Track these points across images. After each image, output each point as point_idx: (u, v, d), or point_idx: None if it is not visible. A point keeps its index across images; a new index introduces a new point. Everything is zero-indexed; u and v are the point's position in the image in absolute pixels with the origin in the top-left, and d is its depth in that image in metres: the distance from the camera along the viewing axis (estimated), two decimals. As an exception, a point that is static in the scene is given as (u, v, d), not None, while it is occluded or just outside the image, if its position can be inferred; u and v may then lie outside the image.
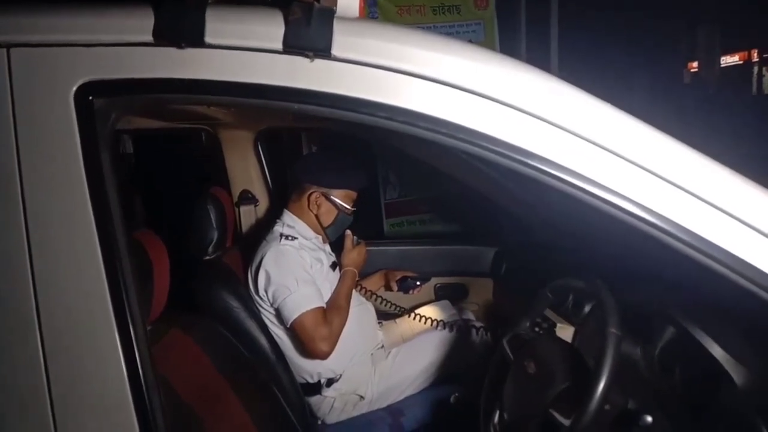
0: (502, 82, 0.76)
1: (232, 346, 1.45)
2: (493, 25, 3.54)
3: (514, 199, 1.98)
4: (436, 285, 2.32)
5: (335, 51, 0.74)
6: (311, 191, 1.80)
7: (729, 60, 14.24)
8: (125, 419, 0.78)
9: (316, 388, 1.76)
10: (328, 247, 1.93)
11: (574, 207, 0.79)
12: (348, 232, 1.93)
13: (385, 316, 2.13)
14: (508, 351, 1.18)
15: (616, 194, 0.76)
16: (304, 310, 1.60)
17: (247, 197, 2.20)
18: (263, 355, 1.61)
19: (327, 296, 1.74)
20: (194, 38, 0.73)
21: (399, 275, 2.13)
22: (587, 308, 1.37)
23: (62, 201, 0.76)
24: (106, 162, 0.77)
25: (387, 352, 1.91)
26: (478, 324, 2.00)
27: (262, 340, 1.63)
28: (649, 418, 0.92)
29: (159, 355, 0.91)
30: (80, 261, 0.77)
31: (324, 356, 1.62)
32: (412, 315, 2.03)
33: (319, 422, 1.82)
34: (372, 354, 1.89)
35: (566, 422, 0.91)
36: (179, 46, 0.74)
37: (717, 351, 0.92)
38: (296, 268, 1.66)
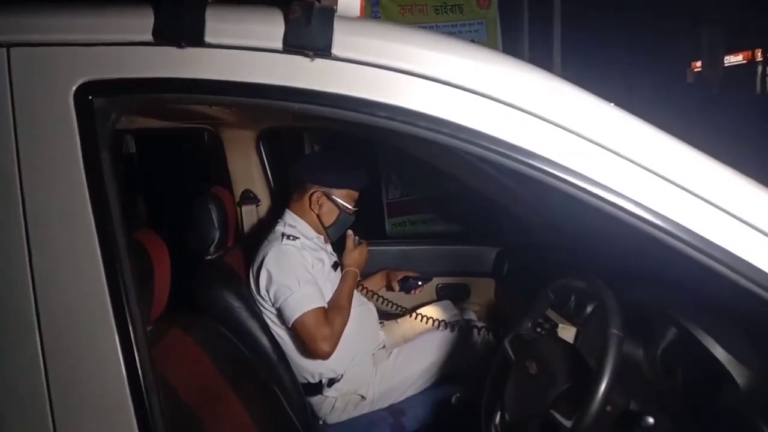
0: (504, 82, 0.75)
1: (233, 346, 1.45)
2: (496, 25, 3.54)
3: (516, 200, 1.98)
4: (437, 285, 2.32)
5: (336, 50, 0.74)
6: (313, 191, 1.80)
7: (732, 59, 14.18)
8: (125, 419, 0.78)
9: (317, 388, 1.76)
10: (329, 247, 1.92)
11: (576, 207, 0.78)
12: (349, 231, 1.93)
13: (386, 316, 2.13)
14: (510, 351, 1.18)
15: (619, 195, 0.75)
16: (305, 310, 1.60)
17: (249, 197, 2.20)
18: (264, 355, 1.61)
19: (328, 296, 1.74)
20: (194, 38, 0.73)
21: (401, 275, 2.13)
22: (589, 309, 1.37)
23: (62, 201, 0.76)
24: (105, 162, 0.77)
25: (388, 353, 1.90)
26: (479, 324, 2.00)
27: (264, 340, 1.63)
28: (651, 420, 0.92)
29: (159, 355, 0.91)
30: (80, 261, 0.77)
31: (325, 356, 1.62)
32: (414, 315, 2.03)
33: (321, 422, 1.82)
34: (373, 354, 1.88)
35: (568, 423, 0.91)
36: (179, 46, 0.74)
37: (719, 352, 0.92)
38: (298, 268, 1.66)
